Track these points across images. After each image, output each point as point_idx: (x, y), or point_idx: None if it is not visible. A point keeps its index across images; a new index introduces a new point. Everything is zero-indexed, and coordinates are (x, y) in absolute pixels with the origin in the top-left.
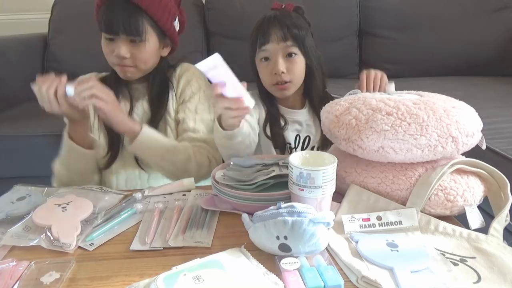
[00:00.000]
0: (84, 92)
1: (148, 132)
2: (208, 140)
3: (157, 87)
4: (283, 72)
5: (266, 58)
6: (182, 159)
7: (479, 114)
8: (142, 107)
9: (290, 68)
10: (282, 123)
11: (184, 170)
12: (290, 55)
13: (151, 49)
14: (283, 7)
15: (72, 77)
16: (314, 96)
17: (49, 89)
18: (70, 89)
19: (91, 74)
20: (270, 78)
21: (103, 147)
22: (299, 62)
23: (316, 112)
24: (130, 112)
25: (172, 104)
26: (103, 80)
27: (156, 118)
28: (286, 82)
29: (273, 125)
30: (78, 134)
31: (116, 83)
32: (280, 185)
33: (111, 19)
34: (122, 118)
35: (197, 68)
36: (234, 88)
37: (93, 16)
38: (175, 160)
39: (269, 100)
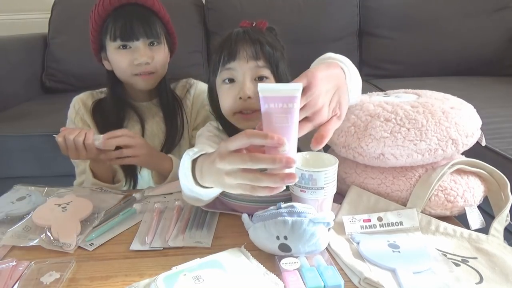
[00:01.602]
0: (112, 155)
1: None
2: None
3: (168, 104)
4: (250, 97)
5: (231, 80)
6: None
7: (479, 114)
8: (151, 128)
9: None
10: None
11: None
12: (260, 78)
13: (166, 52)
14: (253, 24)
15: (72, 77)
16: None
17: (78, 137)
18: (98, 141)
19: (86, 93)
20: (234, 105)
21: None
22: None
23: None
24: (142, 134)
25: (187, 128)
26: (100, 103)
27: (172, 142)
28: (253, 111)
29: None
30: (102, 169)
31: (117, 105)
32: None
33: (128, 24)
34: (156, 164)
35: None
36: (293, 144)
37: (90, 31)
38: None
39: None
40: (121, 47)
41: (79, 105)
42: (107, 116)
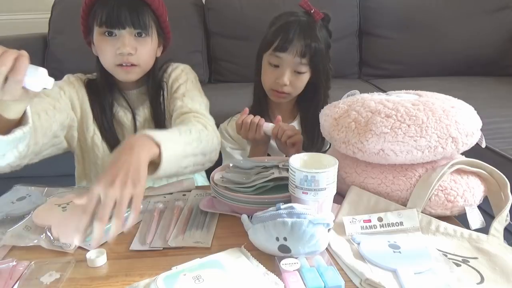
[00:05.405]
0: None
1: (168, 151)
2: (196, 109)
3: (154, 91)
4: (285, 85)
5: (276, 66)
6: (205, 139)
7: (479, 114)
8: (143, 114)
9: (294, 82)
10: None
11: (211, 149)
12: (299, 72)
13: (153, 46)
14: (312, 11)
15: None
16: (311, 110)
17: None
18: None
19: (79, 74)
20: (272, 84)
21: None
22: (305, 78)
23: (307, 126)
24: (134, 122)
25: (166, 103)
26: (92, 84)
27: (161, 123)
28: (285, 93)
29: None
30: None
31: (107, 90)
32: (279, 188)
33: (115, 11)
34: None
35: (186, 66)
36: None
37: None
38: (201, 146)
39: (263, 103)
40: (106, 33)
41: (74, 78)
42: (99, 98)
